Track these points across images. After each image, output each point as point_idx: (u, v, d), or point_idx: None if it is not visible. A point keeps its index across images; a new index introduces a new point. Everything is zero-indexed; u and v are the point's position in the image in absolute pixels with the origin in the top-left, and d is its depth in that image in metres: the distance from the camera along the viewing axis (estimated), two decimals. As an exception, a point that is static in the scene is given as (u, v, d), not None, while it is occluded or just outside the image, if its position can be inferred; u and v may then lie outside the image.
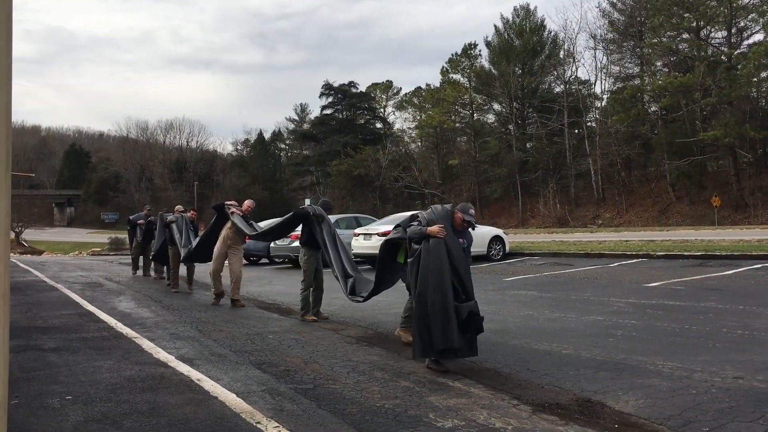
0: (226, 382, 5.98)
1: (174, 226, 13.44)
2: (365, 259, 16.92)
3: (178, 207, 15.33)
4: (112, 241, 38.09)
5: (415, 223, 6.52)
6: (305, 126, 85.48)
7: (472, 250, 6.99)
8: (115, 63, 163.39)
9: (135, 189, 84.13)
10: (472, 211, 6.45)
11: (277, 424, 4.76)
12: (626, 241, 23.67)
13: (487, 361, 6.62)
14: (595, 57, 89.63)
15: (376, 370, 6.43)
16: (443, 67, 66.64)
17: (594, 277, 14.08)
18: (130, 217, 19.03)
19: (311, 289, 9.77)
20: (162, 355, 7.19)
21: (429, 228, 6.21)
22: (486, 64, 63.32)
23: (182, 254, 12.93)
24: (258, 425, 4.76)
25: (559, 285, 12.94)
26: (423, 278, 6.13)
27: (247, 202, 11.64)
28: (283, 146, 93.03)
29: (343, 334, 8.44)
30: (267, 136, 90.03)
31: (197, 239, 12.63)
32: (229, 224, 11.31)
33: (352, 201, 64.51)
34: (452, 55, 66.34)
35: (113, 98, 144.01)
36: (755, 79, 42.44)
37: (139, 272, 18.22)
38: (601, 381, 5.72)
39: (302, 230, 9.85)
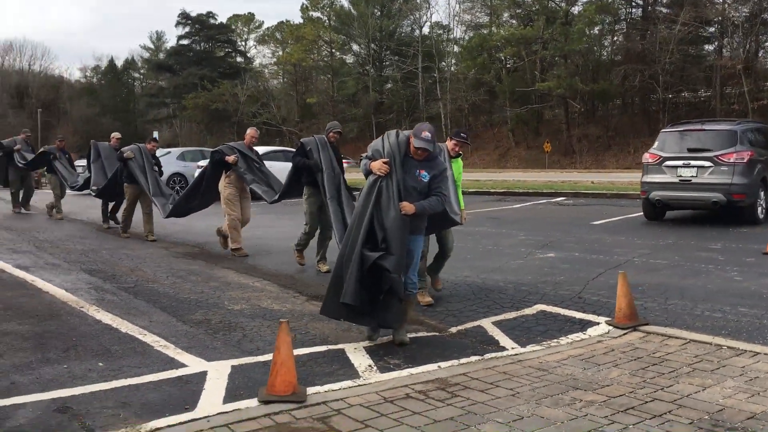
0: (57, 282, 7.07)
1: (134, 163, 10.79)
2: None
3: (115, 134, 13.13)
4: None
5: (363, 155, 5.40)
6: (161, 56, 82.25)
7: None
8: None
9: (-31, 114, 77.82)
10: (427, 134, 4.98)
11: (97, 308, 5.99)
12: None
13: (287, 270, 8.11)
14: (449, 4, 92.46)
15: (191, 275, 7.73)
16: (303, 4, 66.40)
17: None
18: (3, 142, 15.51)
19: (317, 233, 8.11)
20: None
21: (371, 163, 5.08)
22: (346, 4, 63.92)
23: (159, 207, 10.49)
24: (81, 309, 5.96)
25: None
26: (351, 220, 5.24)
27: (251, 131, 9.54)
28: (137, 76, 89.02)
29: (172, 251, 9.61)
30: (119, 63, 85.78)
31: (189, 189, 10.21)
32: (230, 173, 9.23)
33: (209, 135, 63.83)
34: (312, -8, 66.19)
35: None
36: (586, 36, 46.39)
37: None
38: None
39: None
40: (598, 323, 5.55)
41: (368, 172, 5.11)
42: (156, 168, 11.14)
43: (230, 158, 9.01)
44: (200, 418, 3.58)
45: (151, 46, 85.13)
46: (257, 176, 9.20)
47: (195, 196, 9.92)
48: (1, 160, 15.52)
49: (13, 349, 4.72)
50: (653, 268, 7.58)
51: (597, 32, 49.14)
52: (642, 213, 11.87)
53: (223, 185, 9.22)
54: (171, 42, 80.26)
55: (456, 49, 58.14)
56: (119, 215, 11.73)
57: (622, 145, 45.53)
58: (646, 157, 11.26)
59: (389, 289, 4.88)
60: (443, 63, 56.58)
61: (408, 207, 4.91)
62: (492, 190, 18.56)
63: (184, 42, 75.49)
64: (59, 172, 13.68)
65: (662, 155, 10.91)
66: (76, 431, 3.43)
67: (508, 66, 51.89)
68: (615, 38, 50.45)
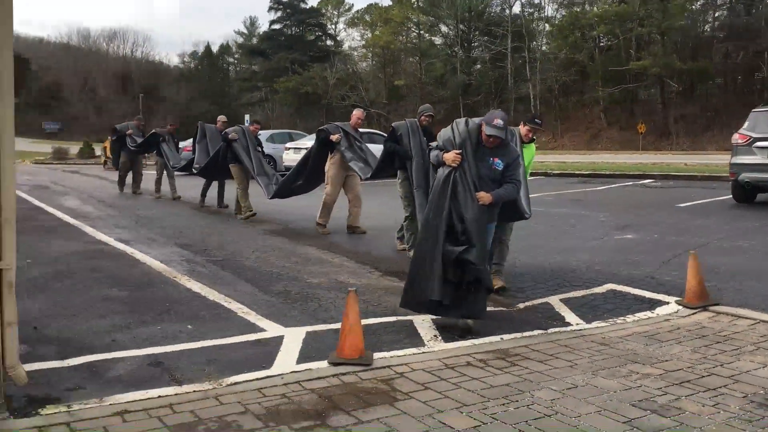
0: (154, 254, 7.66)
1: (238, 144, 10.99)
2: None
3: (221, 117, 13.63)
4: (56, 150, 38.87)
5: (433, 144, 5.33)
6: (254, 41, 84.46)
7: None
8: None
9: (77, 99, 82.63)
10: (499, 121, 4.87)
11: (188, 278, 6.49)
12: (541, 162, 25.78)
13: (366, 248, 8.43)
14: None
15: (274, 250, 8.17)
16: (392, -14, 66.51)
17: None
18: (117, 126, 16.26)
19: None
20: (103, 237, 8.83)
21: (444, 155, 4.96)
22: (434, -16, 63.54)
23: (263, 187, 10.69)
24: (174, 278, 6.48)
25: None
26: (426, 214, 5.12)
27: (358, 113, 9.64)
28: (231, 60, 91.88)
29: (259, 228, 10.11)
30: (215, 49, 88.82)
31: (295, 170, 10.28)
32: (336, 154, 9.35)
33: (300, 119, 65.21)
34: (401, -27, 66.12)
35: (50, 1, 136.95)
36: (687, 11, 44.33)
37: (127, 190, 15.72)
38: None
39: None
40: (667, 303, 5.56)
41: (440, 164, 5.02)
42: (259, 149, 11.36)
43: (334, 137, 9.15)
44: (274, 375, 3.93)
45: (245, 32, 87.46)
46: (356, 155, 9.25)
47: (299, 176, 10.08)
48: (114, 145, 16.55)
49: (114, 312, 5.24)
50: (733, 250, 7.44)
51: (698, 8, 46.96)
52: (731, 196, 11.51)
53: (329, 165, 9.43)
54: (264, 27, 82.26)
55: (547, 28, 56.87)
56: (227, 200, 12.26)
57: (723, 126, 43.35)
58: (736, 138, 10.91)
59: (475, 281, 4.78)
60: (533, 43, 55.49)
61: (485, 197, 4.86)
62: (577, 172, 18.34)
63: (276, 27, 77.12)
64: (165, 154, 14.40)
65: (753, 136, 10.54)
66: (166, 382, 3.84)
67: (601, 45, 50.37)
68: (717, 13, 48.04)
